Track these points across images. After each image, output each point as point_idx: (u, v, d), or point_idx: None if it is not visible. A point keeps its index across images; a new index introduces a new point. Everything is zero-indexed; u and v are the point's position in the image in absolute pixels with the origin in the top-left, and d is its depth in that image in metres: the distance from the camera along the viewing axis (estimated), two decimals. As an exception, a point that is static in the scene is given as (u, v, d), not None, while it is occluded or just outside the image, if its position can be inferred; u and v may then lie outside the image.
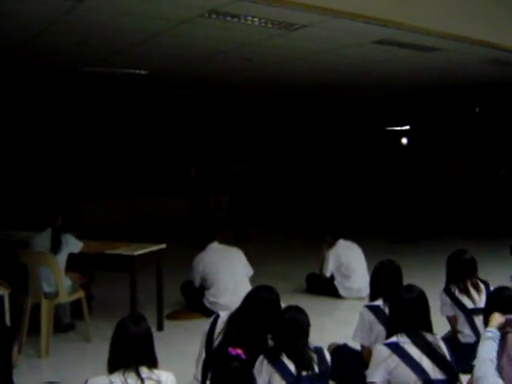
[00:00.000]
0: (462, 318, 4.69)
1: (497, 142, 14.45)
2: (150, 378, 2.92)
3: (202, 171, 12.08)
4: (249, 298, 3.84)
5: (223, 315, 3.86)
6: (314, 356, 3.48)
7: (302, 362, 3.40)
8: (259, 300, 3.75)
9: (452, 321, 4.79)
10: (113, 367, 2.95)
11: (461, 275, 4.81)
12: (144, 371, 2.92)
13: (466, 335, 4.65)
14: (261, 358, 3.43)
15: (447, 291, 4.80)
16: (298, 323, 3.51)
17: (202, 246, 6.85)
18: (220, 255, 6.67)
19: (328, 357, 3.58)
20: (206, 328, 3.89)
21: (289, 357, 3.40)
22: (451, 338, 4.69)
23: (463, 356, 3.87)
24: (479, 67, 10.49)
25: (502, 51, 8.20)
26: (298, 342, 3.45)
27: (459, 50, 8.72)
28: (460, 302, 4.69)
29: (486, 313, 3.66)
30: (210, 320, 3.92)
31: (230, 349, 2.83)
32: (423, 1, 6.56)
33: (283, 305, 3.80)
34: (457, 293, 4.73)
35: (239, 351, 2.75)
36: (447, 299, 4.77)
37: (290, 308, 3.65)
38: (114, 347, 3.00)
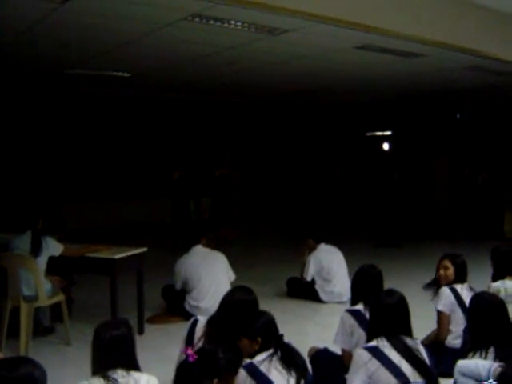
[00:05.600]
0: (458, 317, 4.69)
1: (478, 147, 14.60)
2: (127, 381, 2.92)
3: (185, 174, 12.06)
4: (225, 299, 3.83)
5: (202, 320, 3.84)
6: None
7: (295, 366, 3.37)
8: (236, 301, 3.74)
9: (444, 319, 4.79)
10: (94, 371, 2.97)
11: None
12: (122, 374, 2.92)
13: (455, 336, 4.67)
14: (243, 374, 3.29)
15: (451, 288, 4.81)
16: (275, 323, 3.53)
17: (186, 249, 6.85)
18: (202, 259, 6.67)
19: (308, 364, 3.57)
20: (184, 332, 3.87)
21: (284, 361, 3.36)
22: (435, 340, 4.73)
23: (448, 359, 3.90)
24: (461, 74, 10.58)
25: (483, 58, 8.27)
26: (285, 344, 3.45)
27: (441, 57, 8.79)
28: (464, 303, 4.68)
29: (470, 316, 3.68)
30: (188, 324, 3.89)
31: (184, 349, 2.86)
32: (406, 7, 6.60)
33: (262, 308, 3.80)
34: (464, 294, 4.73)
35: (189, 352, 2.77)
36: (451, 296, 4.77)
37: (261, 312, 3.64)
38: (93, 352, 3.03)
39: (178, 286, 6.66)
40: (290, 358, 3.36)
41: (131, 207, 14.32)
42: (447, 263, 4.93)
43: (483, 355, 3.31)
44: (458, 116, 15.30)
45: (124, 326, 3.12)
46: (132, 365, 3.03)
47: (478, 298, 3.74)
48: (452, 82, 11.79)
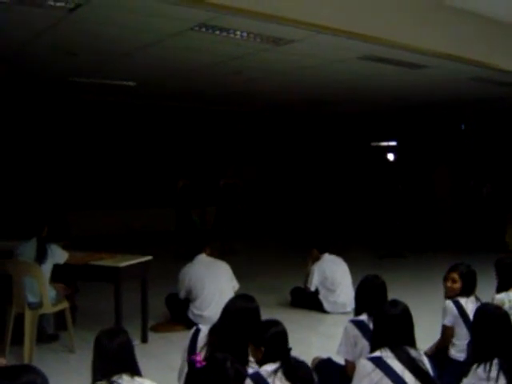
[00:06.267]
0: (462, 331, 4.68)
1: (482, 158, 14.60)
2: None
3: (189, 183, 12.08)
4: (228, 307, 3.82)
5: (204, 329, 3.82)
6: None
7: (301, 382, 3.36)
8: (238, 309, 3.73)
9: (448, 331, 4.77)
10: (96, 378, 2.98)
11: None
12: (127, 379, 2.94)
13: (459, 350, 4.64)
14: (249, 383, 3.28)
15: (455, 302, 4.79)
16: (286, 336, 3.51)
17: (189, 258, 6.87)
18: (206, 268, 6.69)
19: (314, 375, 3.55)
20: (186, 342, 3.86)
21: (285, 374, 3.35)
22: (439, 351, 4.70)
23: (451, 371, 3.88)
24: (465, 85, 10.58)
25: (486, 69, 8.29)
26: (291, 358, 3.43)
27: (444, 68, 8.81)
28: (468, 317, 4.63)
29: (474, 327, 3.66)
30: (190, 334, 3.86)
31: (192, 356, 2.86)
32: (409, 18, 6.63)
33: (266, 317, 3.78)
34: (469, 307, 4.71)
35: (198, 358, 2.78)
36: (455, 310, 4.73)
37: (274, 322, 3.63)
38: (93, 361, 3.05)
39: (182, 294, 6.67)
40: (294, 374, 3.35)
41: (135, 216, 14.33)
42: (455, 276, 4.88)
43: (487, 367, 3.30)
44: (462, 127, 15.30)
45: (123, 333, 3.15)
46: (134, 371, 3.06)
47: (481, 309, 3.73)
48: (456, 93, 11.80)
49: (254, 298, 3.86)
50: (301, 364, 3.46)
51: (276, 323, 3.57)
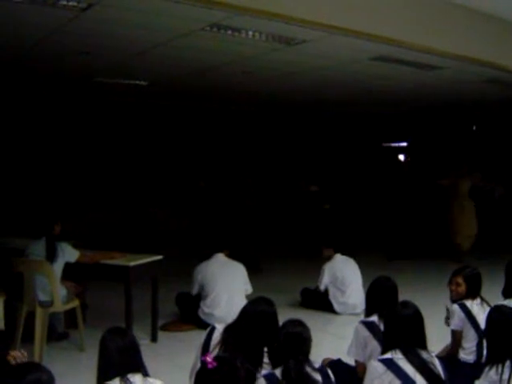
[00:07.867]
0: (470, 334, 4.66)
1: (494, 160, 14.51)
2: None
3: (204, 184, 12.13)
4: (247, 309, 3.83)
5: (219, 327, 3.85)
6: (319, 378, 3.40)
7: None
8: (257, 312, 3.74)
9: (457, 335, 4.74)
10: (103, 379, 2.98)
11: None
12: (140, 379, 2.94)
13: (468, 352, 4.62)
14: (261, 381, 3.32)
15: (461, 305, 4.77)
16: (304, 338, 3.49)
17: (200, 258, 6.90)
18: (221, 267, 6.74)
19: (332, 377, 3.52)
20: (201, 340, 3.88)
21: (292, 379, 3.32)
22: (450, 355, 4.68)
23: (461, 374, 3.86)
24: (478, 86, 10.53)
25: (501, 71, 8.24)
26: (301, 361, 3.40)
27: (459, 69, 8.76)
28: (475, 319, 4.64)
29: (487, 329, 3.64)
30: (206, 332, 3.90)
31: (203, 357, 2.86)
32: (422, 19, 6.60)
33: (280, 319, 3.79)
34: (475, 310, 4.68)
35: (209, 359, 2.77)
36: (461, 313, 4.69)
37: (295, 322, 3.62)
38: (99, 361, 3.05)
39: (195, 290, 6.72)
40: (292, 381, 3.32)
41: (148, 215, 14.33)
42: (459, 280, 4.87)
43: (499, 369, 3.28)
44: (474, 128, 15.22)
45: (128, 333, 3.16)
46: (143, 371, 3.05)
47: (494, 311, 3.71)
48: (470, 94, 11.74)
49: (273, 302, 3.86)
50: (308, 373, 3.39)
51: (295, 324, 3.56)
